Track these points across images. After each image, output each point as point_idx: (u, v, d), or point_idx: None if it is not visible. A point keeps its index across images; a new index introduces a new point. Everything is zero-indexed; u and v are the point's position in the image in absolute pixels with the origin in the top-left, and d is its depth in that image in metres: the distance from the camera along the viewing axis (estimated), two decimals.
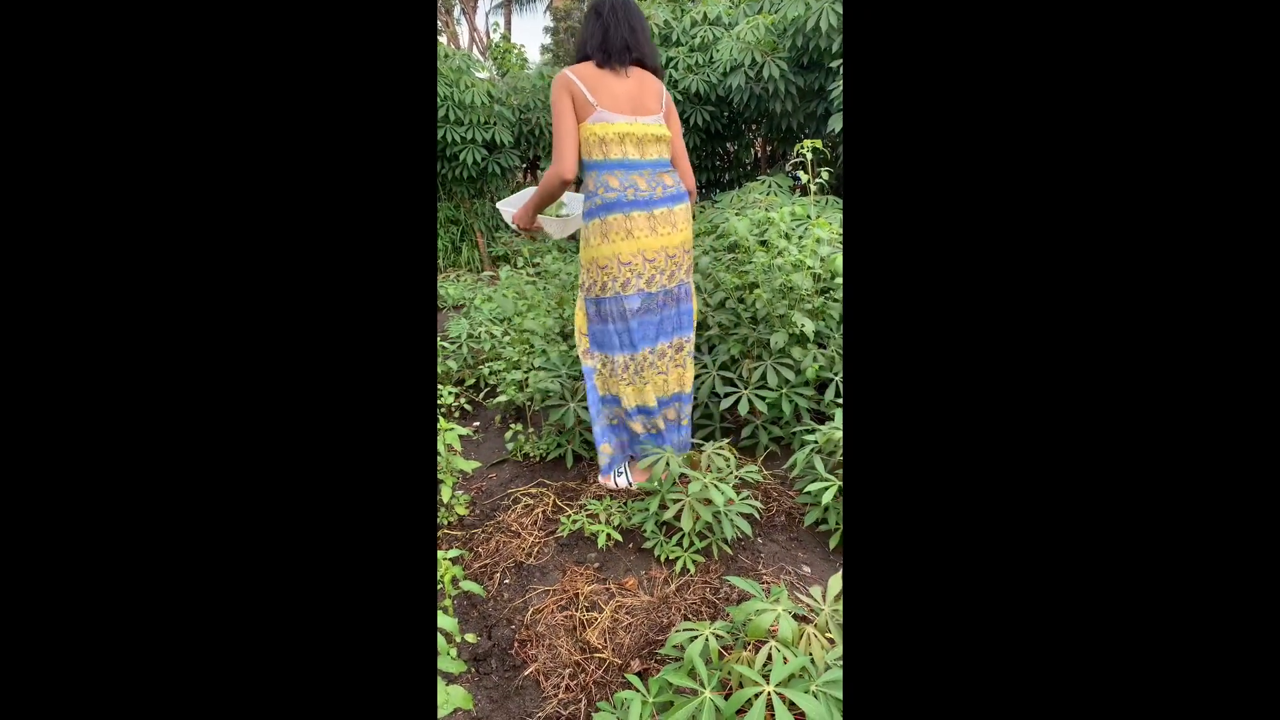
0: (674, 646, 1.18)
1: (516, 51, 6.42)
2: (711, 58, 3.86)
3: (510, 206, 1.91)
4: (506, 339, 2.38)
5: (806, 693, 0.93)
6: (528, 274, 3.00)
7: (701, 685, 0.98)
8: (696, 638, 1.06)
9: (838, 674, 0.96)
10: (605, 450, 1.84)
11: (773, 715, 0.92)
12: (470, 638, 1.18)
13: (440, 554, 1.09)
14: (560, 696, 1.23)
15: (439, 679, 0.90)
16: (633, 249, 1.63)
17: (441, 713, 0.90)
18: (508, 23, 14.13)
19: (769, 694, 0.92)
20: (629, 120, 1.59)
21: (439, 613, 0.92)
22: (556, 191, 1.61)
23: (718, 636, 1.09)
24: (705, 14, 4.08)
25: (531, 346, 2.23)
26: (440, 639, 0.90)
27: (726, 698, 0.96)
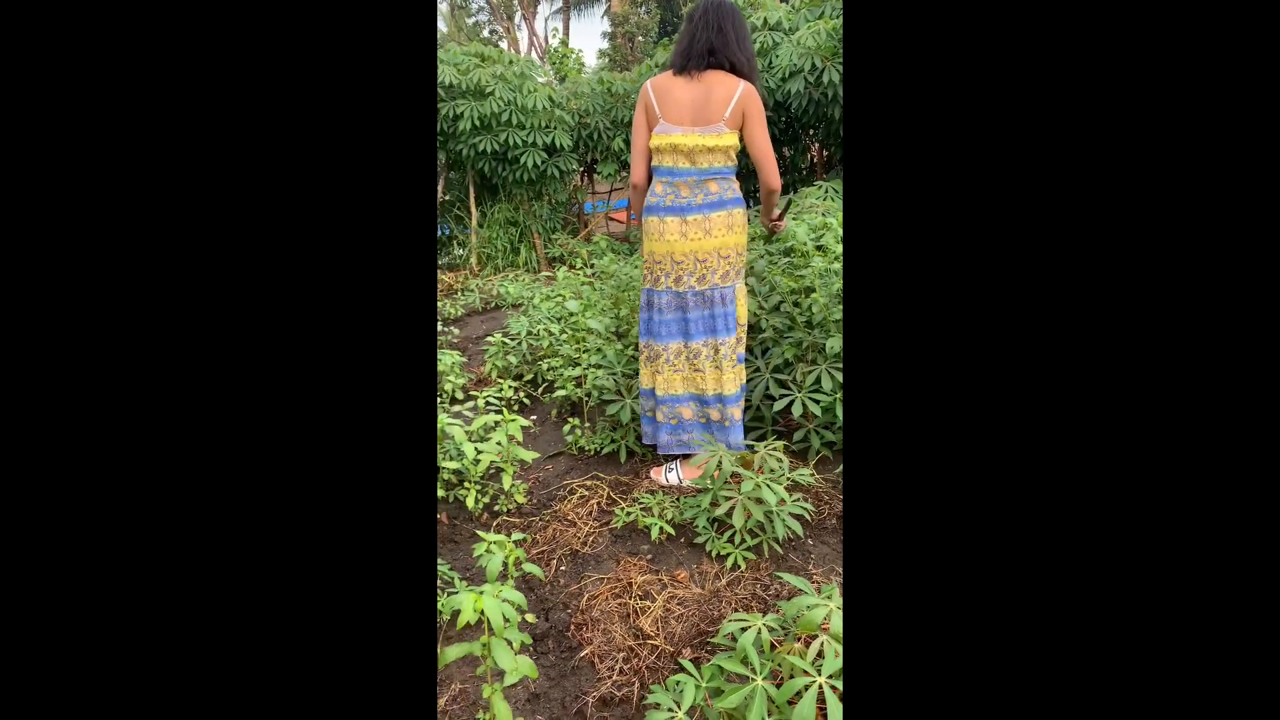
0: (726, 636, 1.22)
1: (575, 56, 6.55)
2: (770, 63, 3.86)
3: None
4: (564, 337, 2.46)
5: None
6: (584, 275, 3.09)
7: (754, 673, 1.02)
8: (749, 628, 1.10)
9: None
10: (647, 431, 1.98)
11: (824, 706, 0.94)
12: (529, 618, 1.25)
13: (503, 537, 1.16)
14: (614, 678, 1.28)
15: (507, 649, 0.96)
16: (663, 250, 1.80)
17: (509, 680, 0.96)
18: (566, 27, 14.37)
19: (821, 685, 0.95)
20: (683, 132, 1.73)
21: (507, 587, 0.99)
22: (635, 199, 1.90)
23: (769, 629, 1.12)
24: (765, 19, 4.09)
25: (587, 345, 2.30)
26: (510, 611, 0.96)
27: (777, 687, 0.99)
